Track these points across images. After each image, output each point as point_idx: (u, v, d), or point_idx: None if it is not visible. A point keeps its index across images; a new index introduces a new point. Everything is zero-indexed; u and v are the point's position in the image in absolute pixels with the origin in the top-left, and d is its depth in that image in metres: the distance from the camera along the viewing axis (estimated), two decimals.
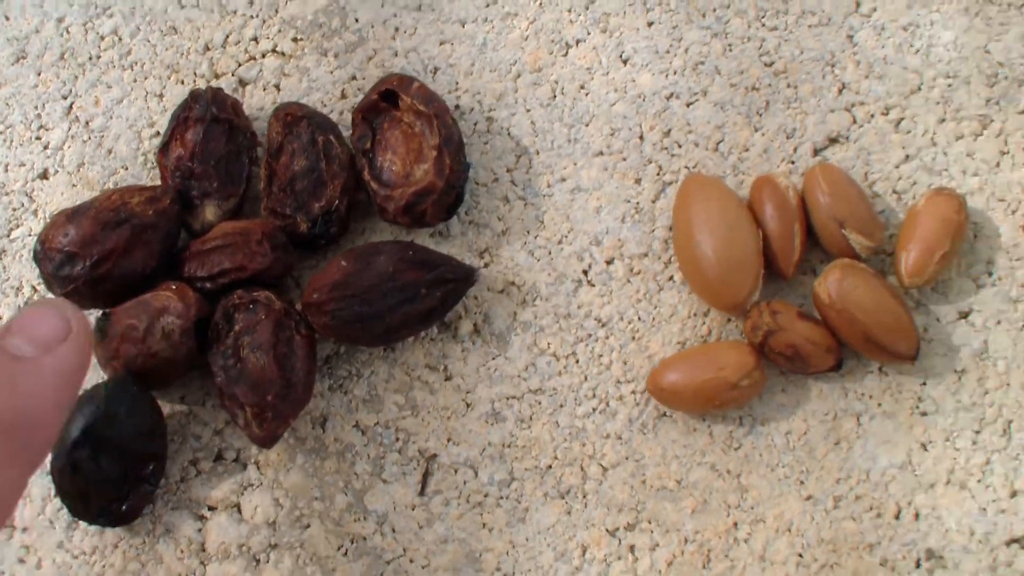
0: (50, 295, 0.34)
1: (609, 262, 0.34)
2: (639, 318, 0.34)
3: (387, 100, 0.34)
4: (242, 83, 0.36)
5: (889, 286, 0.33)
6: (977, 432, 0.34)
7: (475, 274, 0.33)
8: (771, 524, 0.33)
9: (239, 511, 0.34)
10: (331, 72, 0.36)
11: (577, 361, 0.34)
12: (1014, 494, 0.33)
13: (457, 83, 0.36)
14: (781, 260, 0.33)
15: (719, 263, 0.32)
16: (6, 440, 0.25)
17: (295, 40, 0.36)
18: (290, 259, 0.34)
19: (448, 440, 0.34)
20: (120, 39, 0.37)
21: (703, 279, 0.33)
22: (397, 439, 0.34)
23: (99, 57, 0.37)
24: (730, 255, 0.32)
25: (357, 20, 0.36)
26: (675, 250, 0.34)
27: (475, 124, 0.35)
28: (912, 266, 0.33)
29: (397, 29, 0.36)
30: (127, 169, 0.36)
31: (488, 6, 0.36)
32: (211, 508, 0.34)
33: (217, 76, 0.36)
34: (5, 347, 0.26)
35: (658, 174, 0.35)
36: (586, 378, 0.34)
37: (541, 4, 0.36)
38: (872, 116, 0.35)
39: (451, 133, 0.33)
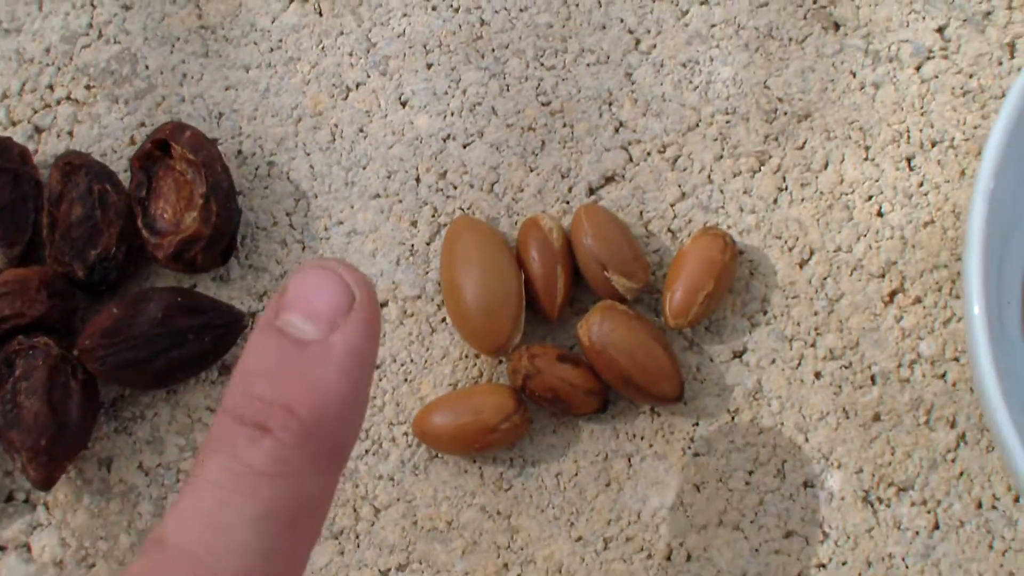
0: None
1: (383, 304, 0.35)
2: (411, 360, 0.35)
3: (161, 149, 0.34)
4: (37, 130, 0.37)
5: (652, 328, 0.33)
6: (751, 472, 0.34)
7: (244, 319, 0.34)
8: (541, 565, 0.33)
9: (28, 550, 0.34)
10: (121, 119, 0.36)
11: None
12: (788, 535, 0.33)
13: (240, 128, 0.36)
14: (545, 302, 0.34)
15: (479, 306, 0.33)
16: (310, 442, 0.22)
17: (88, 88, 0.37)
18: (70, 305, 0.34)
19: None
20: None
21: (465, 322, 0.33)
22: (178, 480, 0.34)
23: None
24: (489, 298, 0.33)
25: (147, 67, 0.37)
26: (442, 292, 0.34)
27: (256, 169, 0.36)
28: (676, 307, 0.33)
29: (185, 75, 0.37)
30: None
31: (272, 51, 0.37)
32: (1, 548, 0.34)
33: (14, 123, 0.37)
34: (284, 330, 0.22)
35: (433, 216, 0.35)
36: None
37: (323, 48, 0.37)
38: (648, 154, 0.36)
39: (219, 181, 0.34)
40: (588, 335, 0.33)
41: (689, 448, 0.34)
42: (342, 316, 0.22)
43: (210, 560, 0.21)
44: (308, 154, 0.36)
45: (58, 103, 0.37)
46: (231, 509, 0.21)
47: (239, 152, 0.36)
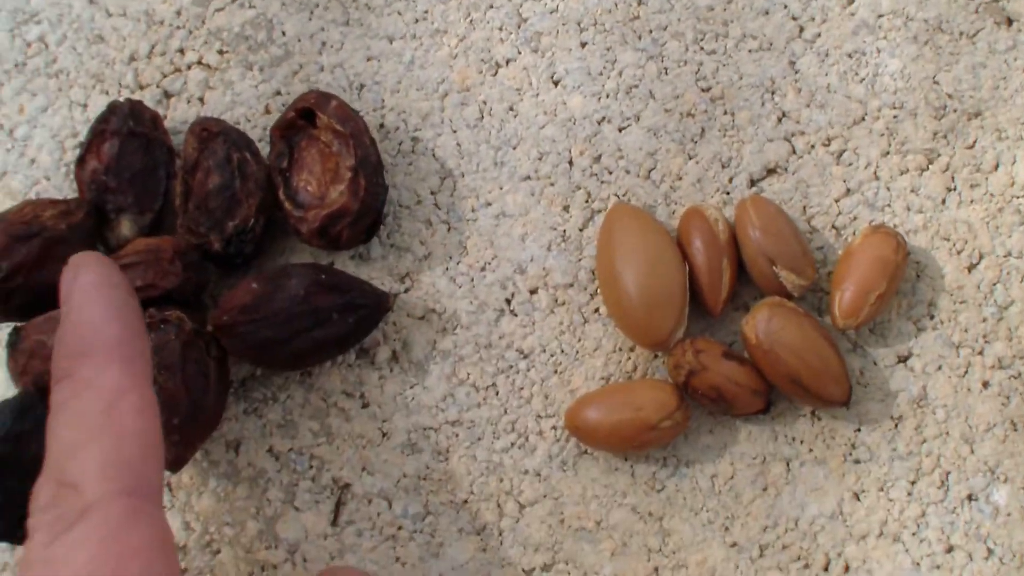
0: None
1: (533, 291, 0.33)
2: (562, 351, 0.33)
3: (305, 118, 0.33)
4: (167, 95, 0.35)
5: (820, 327, 0.32)
6: (913, 483, 0.32)
7: (388, 300, 0.32)
8: (693, 570, 0.32)
9: None
10: (256, 86, 0.35)
11: (497, 393, 0.33)
12: (950, 549, 0.32)
13: (383, 101, 0.34)
14: (709, 297, 0.32)
15: (641, 298, 0.31)
16: None
17: (220, 52, 0.35)
18: (203, 278, 0.33)
19: (363, 470, 0.33)
20: (47, 46, 0.36)
21: (625, 314, 0.32)
22: (311, 466, 0.33)
23: (25, 64, 0.36)
24: (653, 290, 0.31)
25: (284, 33, 0.35)
26: (599, 282, 0.32)
27: (400, 144, 0.34)
28: (846, 307, 0.32)
29: (324, 44, 0.35)
30: (49, 180, 0.35)
31: (417, 22, 0.35)
32: None
33: (142, 87, 0.35)
34: None
35: (587, 201, 0.34)
36: (506, 411, 0.33)
37: (472, 21, 0.35)
38: (812, 147, 0.34)
39: (368, 154, 0.32)
40: (755, 332, 0.31)
41: (850, 454, 0.32)
42: None
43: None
44: (455, 131, 0.34)
45: (189, 68, 0.35)
46: None
47: (381, 126, 0.34)
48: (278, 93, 0.35)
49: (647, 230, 0.32)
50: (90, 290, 0.26)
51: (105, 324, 0.26)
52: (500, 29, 0.35)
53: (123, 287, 0.27)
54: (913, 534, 0.32)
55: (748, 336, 0.31)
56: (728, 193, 0.34)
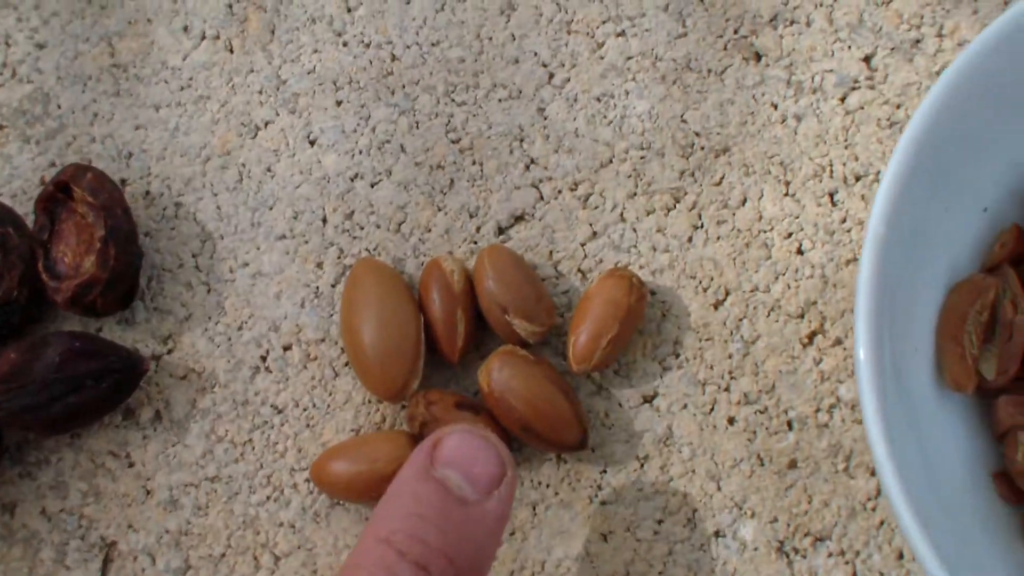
0: None
1: (287, 348, 0.34)
2: (314, 405, 0.34)
3: (63, 191, 0.34)
4: None
5: (552, 373, 0.32)
6: (660, 522, 0.33)
7: (144, 363, 0.33)
8: None
9: None
10: (32, 159, 0.36)
11: (253, 448, 0.34)
12: None
13: (149, 168, 0.36)
14: (446, 347, 0.33)
15: (375, 351, 0.32)
16: None
17: (0, 128, 0.37)
18: None
19: (128, 527, 0.34)
20: None
21: (362, 367, 0.33)
22: (80, 526, 0.34)
23: None
24: (386, 343, 0.32)
25: (59, 106, 0.36)
26: (342, 337, 0.33)
27: (164, 210, 0.35)
28: (579, 352, 0.32)
29: (96, 115, 0.36)
30: None
31: (183, 90, 0.36)
32: None
33: None
34: (446, 484, 0.26)
35: (339, 257, 0.35)
36: (261, 465, 0.34)
37: (233, 86, 0.36)
38: (559, 192, 0.35)
39: (119, 224, 0.34)
40: (487, 381, 0.32)
41: (596, 496, 0.33)
42: (496, 486, 0.26)
43: None
44: (215, 194, 0.35)
45: None
46: None
47: (147, 193, 0.35)
48: (53, 165, 0.36)
49: (384, 285, 0.33)
50: (497, 526, 0.27)
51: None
52: (260, 92, 0.36)
53: None
54: (660, 573, 0.33)
55: (482, 385, 0.32)
56: (476, 243, 0.34)
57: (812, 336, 0.34)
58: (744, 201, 0.34)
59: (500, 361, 0.32)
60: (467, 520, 0.26)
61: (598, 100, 0.35)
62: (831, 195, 0.34)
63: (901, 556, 0.32)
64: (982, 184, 0.31)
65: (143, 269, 0.35)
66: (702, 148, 0.35)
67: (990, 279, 0.30)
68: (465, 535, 0.26)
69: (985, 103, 0.29)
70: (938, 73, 0.35)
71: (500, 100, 0.35)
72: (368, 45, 0.36)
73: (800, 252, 0.34)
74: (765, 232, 0.34)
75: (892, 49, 0.35)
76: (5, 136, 0.37)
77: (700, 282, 0.34)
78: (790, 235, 0.34)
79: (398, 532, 0.26)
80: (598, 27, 0.36)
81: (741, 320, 0.34)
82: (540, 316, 0.33)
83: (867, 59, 0.35)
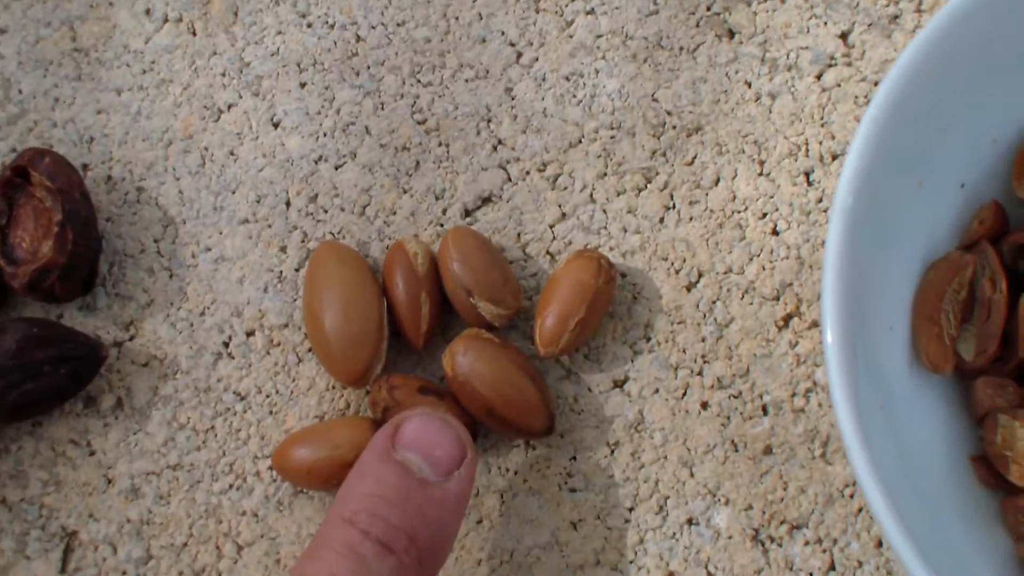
0: None
1: (250, 333, 0.34)
2: (277, 391, 0.33)
3: (21, 176, 0.33)
4: None
5: (519, 357, 0.31)
6: (631, 509, 0.32)
7: (103, 350, 0.33)
8: None
9: None
10: None
11: (215, 436, 0.33)
12: (670, 575, 0.31)
13: (111, 153, 0.35)
14: (410, 331, 0.32)
15: (336, 336, 0.31)
16: (422, 567, 0.26)
17: None
18: None
19: (89, 516, 0.33)
20: None
21: (324, 352, 0.32)
22: (40, 515, 0.33)
23: None
24: (348, 327, 0.31)
25: (20, 91, 0.36)
26: (304, 321, 0.33)
27: (126, 195, 0.35)
28: (546, 335, 0.32)
29: (57, 100, 0.36)
30: None
31: (144, 73, 0.36)
32: None
33: None
34: (409, 468, 0.27)
35: (303, 241, 0.34)
36: (224, 453, 0.33)
37: (196, 69, 0.35)
38: (527, 173, 0.34)
39: (77, 208, 0.33)
40: (451, 365, 0.31)
41: (565, 483, 0.32)
42: (456, 467, 0.27)
43: None
44: (178, 179, 0.35)
45: None
46: None
47: (109, 178, 0.35)
48: (13, 151, 0.36)
49: (346, 268, 0.32)
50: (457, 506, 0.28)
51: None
52: (223, 75, 0.35)
53: None
54: (631, 562, 0.32)
55: (446, 369, 0.31)
56: (442, 225, 0.34)
57: (788, 319, 0.33)
58: (717, 181, 0.33)
59: (464, 344, 0.31)
60: (428, 500, 0.27)
61: (567, 79, 0.34)
62: (807, 174, 0.33)
63: (880, 544, 0.31)
64: (958, 159, 0.30)
65: (104, 255, 0.34)
66: (674, 127, 0.34)
67: (968, 256, 0.29)
68: (426, 515, 0.27)
69: (958, 74, 0.28)
70: None
71: (467, 80, 0.35)
72: (332, 26, 0.35)
73: (775, 233, 0.33)
74: (739, 212, 0.33)
75: (869, 25, 0.34)
76: None
77: (672, 264, 0.33)
78: (765, 215, 0.33)
79: (361, 512, 0.26)
80: (567, 5, 0.35)
81: (714, 302, 0.33)
82: (506, 299, 0.32)
83: (844, 35, 0.34)
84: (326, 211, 0.34)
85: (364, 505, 0.27)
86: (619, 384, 0.33)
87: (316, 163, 0.34)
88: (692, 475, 0.32)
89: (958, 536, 0.28)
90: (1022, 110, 0.29)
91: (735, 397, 0.32)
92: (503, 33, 0.35)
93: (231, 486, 0.33)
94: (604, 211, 0.33)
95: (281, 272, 0.34)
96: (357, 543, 0.26)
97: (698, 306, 0.33)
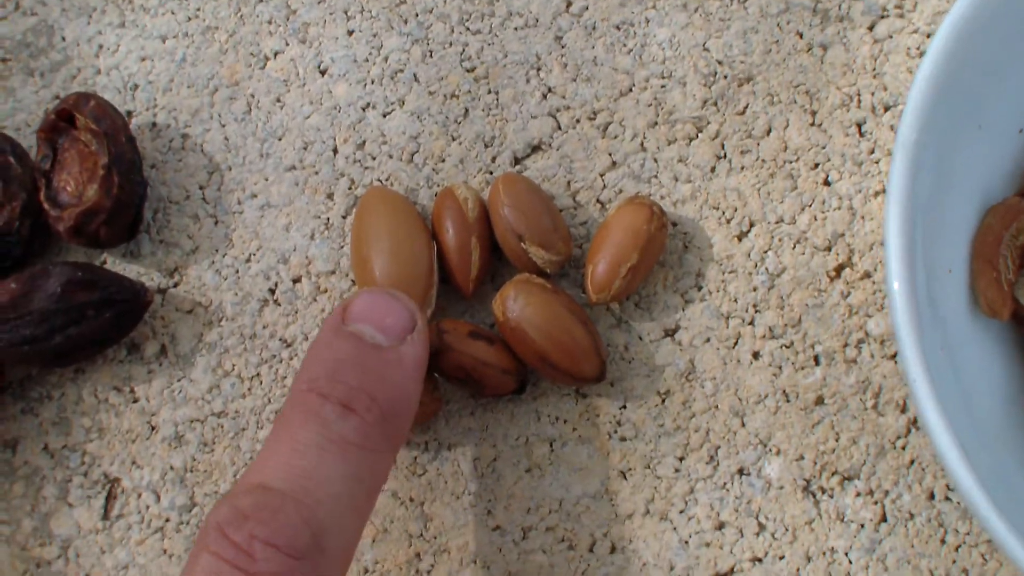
0: None
1: (296, 280, 0.33)
2: None
3: (66, 120, 0.33)
4: None
5: (571, 303, 0.31)
6: (681, 459, 0.32)
7: (147, 294, 0.32)
8: (455, 555, 0.31)
9: None
10: (36, 92, 0.35)
11: (261, 383, 0.33)
12: (720, 526, 0.31)
13: (155, 100, 0.35)
14: (459, 277, 0.32)
15: (386, 281, 0.31)
16: (385, 427, 0.27)
17: (3, 60, 0.36)
18: None
19: (132, 464, 0.33)
20: None
21: None
22: (83, 462, 0.33)
23: None
24: (397, 273, 0.31)
25: (64, 39, 0.36)
26: (352, 268, 0.32)
27: (171, 141, 0.34)
28: (597, 281, 0.31)
29: (101, 47, 0.35)
30: None
31: (189, 20, 0.35)
32: None
33: None
34: (360, 335, 0.27)
35: (350, 188, 0.34)
36: (269, 400, 0.33)
37: (241, 16, 0.35)
38: (578, 121, 0.34)
39: (123, 152, 0.33)
40: (502, 311, 0.31)
41: (615, 432, 0.32)
42: (408, 333, 0.28)
43: (309, 502, 0.25)
44: (223, 125, 0.34)
45: None
46: (326, 466, 0.26)
47: (153, 124, 0.34)
48: (56, 98, 0.35)
49: (395, 214, 0.32)
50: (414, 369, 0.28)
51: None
52: (269, 22, 0.35)
53: None
54: (681, 512, 0.31)
55: (496, 315, 0.31)
56: (491, 173, 0.33)
57: (839, 269, 0.32)
58: (769, 131, 0.33)
59: (515, 289, 0.31)
60: (384, 363, 0.27)
61: (617, 28, 0.34)
62: (859, 125, 0.33)
63: (932, 496, 0.31)
64: (1018, 104, 0.29)
65: (149, 202, 0.34)
66: (725, 77, 0.34)
67: None
68: (384, 376, 0.27)
69: (1017, 20, 0.28)
70: None
71: (516, 28, 0.34)
72: None
73: (827, 183, 0.33)
74: (791, 163, 0.33)
75: None
76: (9, 69, 0.36)
77: (724, 213, 0.33)
78: (816, 166, 0.33)
79: (319, 379, 0.27)
80: None
81: (766, 252, 0.32)
82: (557, 244, 0.31)
83: None
84: (374, 158, 0.34)
85: (321, 371, 0.27)
86: (670, 333, 0.32)
87: (363, 110, 0.34)
88: (743, 425, 0.32)
89: (1019, 480, 0.28)
90: None
91: (787, 347, 0.32)
92: None
93: None
94: (655, 160, 0.33)
95: (328, 219, 0.33)
96: (318, 407, 0.27)
97: (749, 255, 0.32)
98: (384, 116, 0.34)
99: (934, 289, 0.27)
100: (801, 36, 0.34)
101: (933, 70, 0.26)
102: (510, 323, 0.31)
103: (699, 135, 0.33)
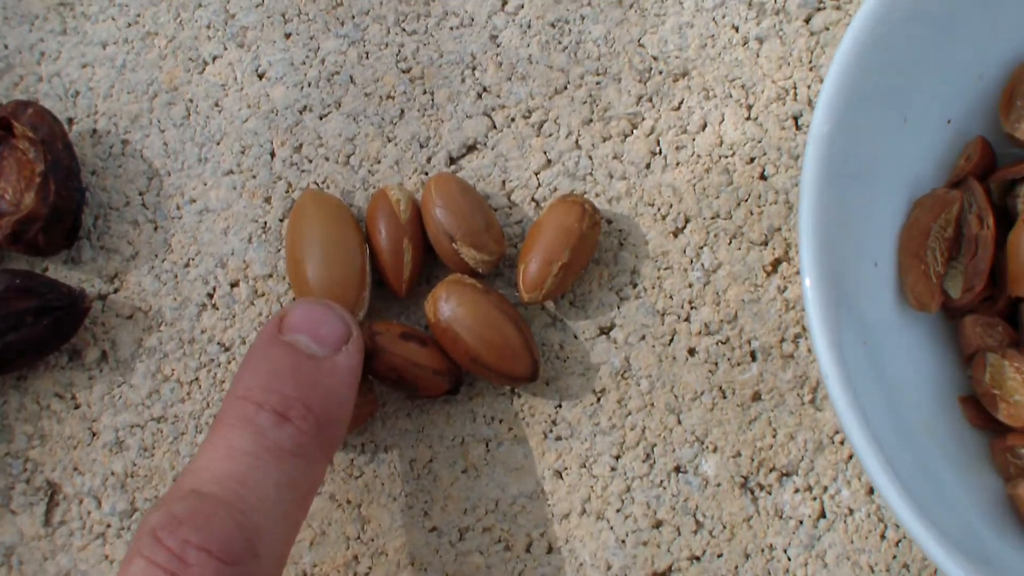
0: None
1: (234, 284, 0.33)
2: None
3: (4, 128, 0.33)
4: None
5: (502, 303, 0.31)
6: (617, 458, 0.31)
7: (85, 300, 0.33)
8: (393, 557, 0.31)
9: None
10: None
11: (200, 387, 0.33)
12: (657, 525, 0.31)
13: (96, 106, 0.35)
14: (392, 278, 0.32)
15: (319, 284, 0.31)
16: (319, 435, 0.27)
17: None
18: None
19: (74, 470, 0.33)
20: None
21: None
22: (25, 469, 0.33)
23: None
24: (330, 275, 0.31)
25: (6, 46, 0.36)
26: (287, 271, 0.32)
27: (111, 147, 0.35)
28: (529, 280, 0.31)
29: (43, 54, 0.36)
30: None
31: (129, 26, 0.35)
32: None
33: None
34: (295, 345, 0.28)
35: (287, 191, 0.34)
36: (208, 404, 0.33)
37: (180, 21, 0.35)
38: (512, 120, 0.34)
39: (59, 159, 0.33)
40: (434, 312, 0.31)
41: (551, 432, 0.32)
42: (343, 344, 0.28)
43: (243, 507, 0.25)
44: (162, 131, 0.34)
45: None
46: (260, 473, 0.26)
47: (94, 131, 0.35)
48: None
49: (329, 217, 0.32)
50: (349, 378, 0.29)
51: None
52: (208, 27, 0.35)
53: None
54: (618, 510, 0.31)
55: (429, 316, 0.31)
56: (427, 173, 0.33)
57: (776, 264, 0.32)
58: (704, 126, 0.33)
59: (447, 290, 0.31)
60: (319, 372, 0.27)
61: (552, 26, 0.34)
62: (795, 118, 0.33)
63: (871, 491, 0.31)
64: (944, 95, 0.29)
65: (89, 208, 0.34)
66: (660, 72, 0.33)
67: (954, 192, 0.29)
68: (319, 385, 0.27)
69: (940, 7, 0.27)
70: None
71: (451, 28, 0.34)
72: None
73: (763, 177, 0.33)
74: (726, 157, 0.33)
75: None
76: None
77: (659, 209, 0.33)
78: (752, 160, 0.33)
79: (254, 388, 0.27)
80: None
81: (701, 248, 0.32)
82: (489, 244, 0.31)
83: None
84: (311, 161, 0.34)
85: (256, 381, 0.27)
86: (605, 331, 0.32)
87: (301, 113, 0.34)
88: (679, 422, 0.31)
89: (946, 476, 0.27)
90: (1007, 46, 0.29)
91: (723, 343, 0.32)
92: None
93: None
94: (590, 157, 0.33)
95: (265, 223, 0.34)
96: (252, 414, 0.27)
97: (685, 252, 0.32)
98: (321, 119, 0.34)
99: (856, 283, 0.27)
100: (737, 30, 0.34)
101: (846, 63, 0.25)
102: (441, 324, 0.31)
103: (634, 131, 0.33)
